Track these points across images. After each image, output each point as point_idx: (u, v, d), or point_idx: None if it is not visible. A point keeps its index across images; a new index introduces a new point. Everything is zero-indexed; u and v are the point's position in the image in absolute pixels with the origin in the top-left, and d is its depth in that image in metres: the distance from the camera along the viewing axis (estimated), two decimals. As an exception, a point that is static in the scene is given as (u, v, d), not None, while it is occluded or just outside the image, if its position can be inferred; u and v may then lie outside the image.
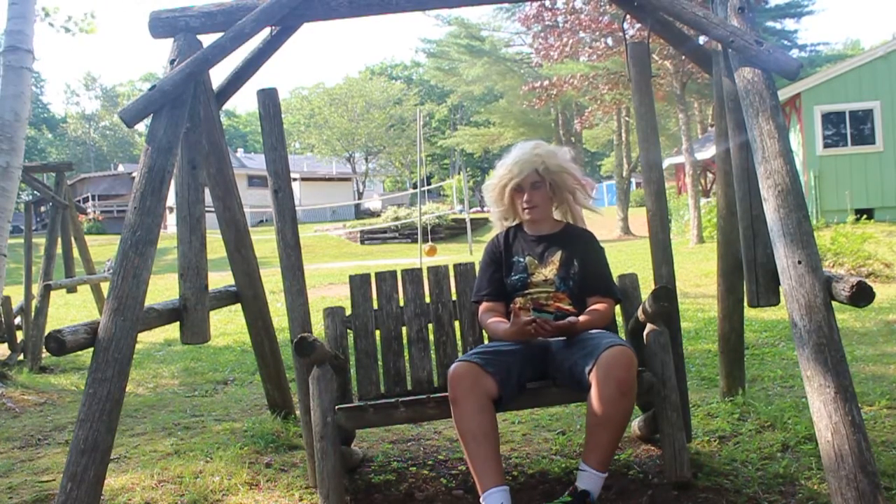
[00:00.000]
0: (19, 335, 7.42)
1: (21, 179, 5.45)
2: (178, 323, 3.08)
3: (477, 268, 3.21)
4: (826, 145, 14.78)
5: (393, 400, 2.78)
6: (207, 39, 3.07)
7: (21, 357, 7.02)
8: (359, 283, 3.31)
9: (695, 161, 17.22)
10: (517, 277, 2.96)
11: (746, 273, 2.94)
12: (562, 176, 3.01)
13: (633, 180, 29.63)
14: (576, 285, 2.90)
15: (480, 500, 2.46)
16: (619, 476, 2.90)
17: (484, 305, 3.02)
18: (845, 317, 6.43)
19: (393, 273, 3.33)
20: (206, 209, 3.15)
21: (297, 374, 3.02)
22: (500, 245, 3.07)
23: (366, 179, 45.66)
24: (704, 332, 6.22)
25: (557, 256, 2.95)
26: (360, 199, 41.66)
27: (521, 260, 2.99)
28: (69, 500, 2.36)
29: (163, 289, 13.27)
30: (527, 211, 2.99)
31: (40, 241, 9.56)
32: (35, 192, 10.95)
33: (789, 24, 26.06)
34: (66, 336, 2.43)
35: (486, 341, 3.13)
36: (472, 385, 2.55)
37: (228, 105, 5.45)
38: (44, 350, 5.93)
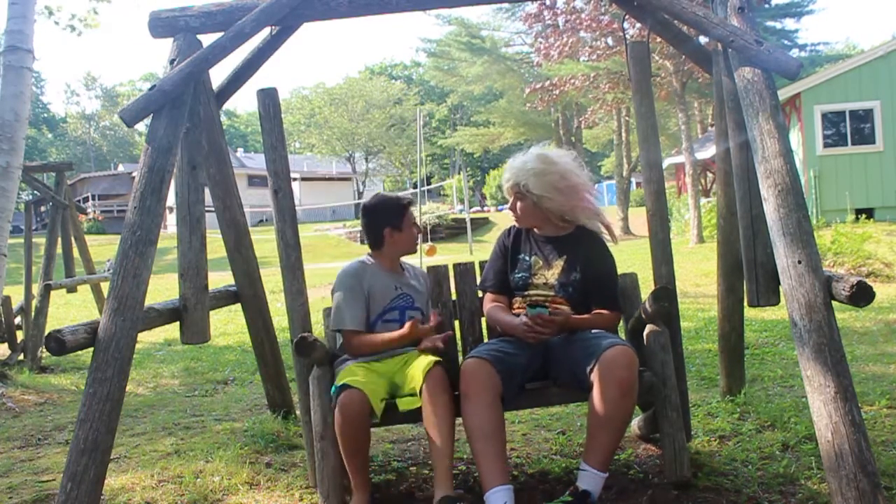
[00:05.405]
0: (19, 335, 7.42)
1: (21, 179, 5.44)
2: (178, 323, 3.08)
3: (477, 268, 3.21)
4: (826, 145, 14.76)
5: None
6: (207, 39, 3.07)
7: (21, 357, 7.02)
8: (359, 283, 3.30)
9: (695, 161, 17.20)
10: (519, 276, 2.95)
11: (746, 273, 2.94)
12: (551, 200, 2.90)
13: (633, 180, 29.59)
14: (575, 291, 2.88)
15: (484, 497, 2.46)
16: (620, 476, 2.90)
17: (489, 296, 3.03)
18: (845, 317, 6.42)
19: (393, 273, 3.32)
20: (206, 209, 3.15)
21: (297, 374, 3.01)
22: (509, 239, 3.07)
23: (366, 179, 45.62)
24: (704, 332, 6.22)
25: (561, 261, 2.93)
26: (360, 198, 41.62)
27: (527, 259, 2.98)
28: (69, 500, 2.37)
29: (163, 289, 13.27)
30: (512, 215, 3.02)
31: (40, 241, 9.56)
32: (35, 192, 10.94)
33: (789, 24, 25.99)
34: (66, 336, 2.44)
35: (485, 340, 3.13)
36: (484, 381, 2.57)
37: (228, 105, 5.45)
38: (44, 350, 5.94)
